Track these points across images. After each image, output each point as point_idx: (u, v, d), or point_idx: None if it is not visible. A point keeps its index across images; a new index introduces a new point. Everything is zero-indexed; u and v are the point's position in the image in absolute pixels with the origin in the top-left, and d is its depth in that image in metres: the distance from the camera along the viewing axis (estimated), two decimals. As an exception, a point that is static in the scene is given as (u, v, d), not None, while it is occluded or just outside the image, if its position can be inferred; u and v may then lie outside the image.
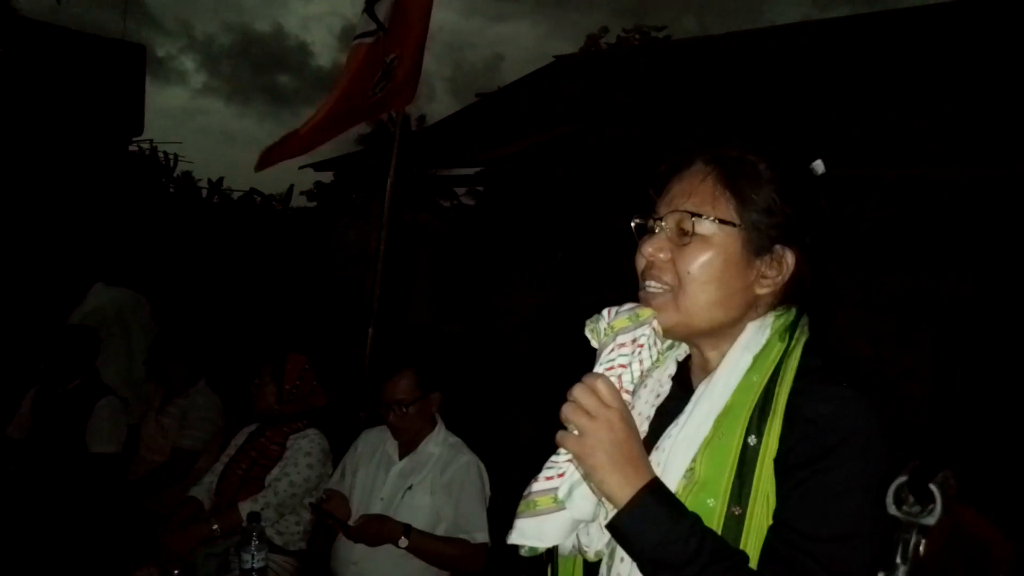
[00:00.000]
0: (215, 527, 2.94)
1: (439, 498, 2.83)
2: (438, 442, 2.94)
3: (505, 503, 2.84)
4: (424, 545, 2.73)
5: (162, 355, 3.99)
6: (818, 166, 1.24)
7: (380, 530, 2.70)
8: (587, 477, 1.11)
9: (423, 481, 2.86)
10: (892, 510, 0.68)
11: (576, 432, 1.10)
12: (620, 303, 1.23)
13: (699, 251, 1.17)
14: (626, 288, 1.29)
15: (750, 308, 1.21)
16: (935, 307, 5.89)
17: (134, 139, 12.10)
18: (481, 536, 2.78)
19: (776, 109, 7.20)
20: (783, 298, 1.22)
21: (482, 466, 2.91)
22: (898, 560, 0.68)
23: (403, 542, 2.68)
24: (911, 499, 0.68)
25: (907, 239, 5.92)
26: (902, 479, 0.68)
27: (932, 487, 0.66)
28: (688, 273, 1.18)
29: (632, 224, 1.28)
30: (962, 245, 5.82)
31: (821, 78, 7.92)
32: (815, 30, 10.29)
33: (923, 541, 0.68)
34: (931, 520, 0.66)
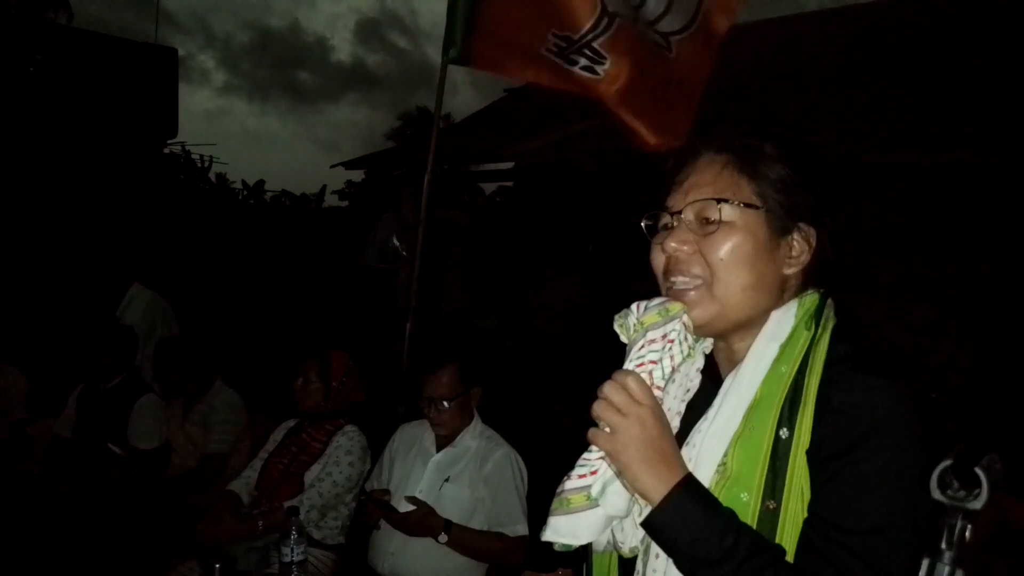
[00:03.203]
0: (260, 524, 2.99)
1: (478, 491, 2.84)
2: (475, 435, 2.95)
3: (540, 495, 2.86)
4: (463, 540, 2.74)
5: (165, 368, 3.95)
6: None
7: (423, 522, 2.72)
8: (620, 474, 1.11)
9: (461, 474, 2.88)
10: (936, 495, 0.67)
11: (608, 429, 1.09)
12: (650, 297, 1.21)
13: (728, 237, 1.16)
14: (655, 282, 1.27)
15: (780, 291, 1.20)
16: (974, 295, 5.79)
17: (168, 142, 12.29)
18: (521, 528, 2.79)
19: (811, 97, 7.10)
20: (806, 280, 1.21)
21: (519, 458, 2.92)
22: (943, 546, 0.68)
23: (443, 538, 2.70)
24: (955, 483, 0.67)
25: (944, 226, 5.82)
26: (946, 463, 0.67)
27: (978, 471, 0.65)
28: (720, 260, 1.16)
29: (643, 225, 1.27)
30: (1000, 231, 5.71)
31: (854, 64, 7.80)
32: (849, 16, 10.13)
33: (969, 526, 0.67)
34: (977, 504, 0.65)
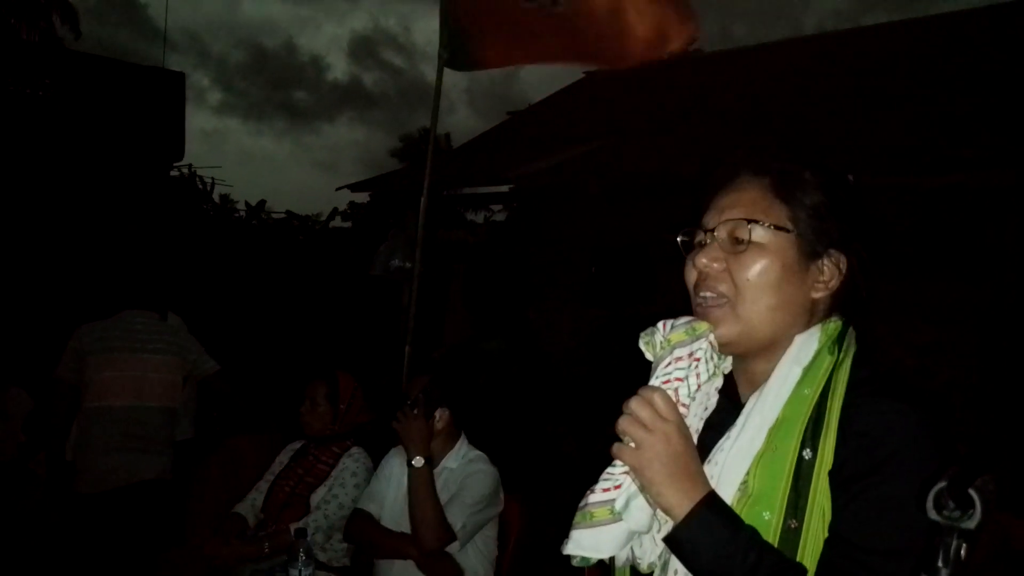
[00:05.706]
0: (266, 546, 3.00)
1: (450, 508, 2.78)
2: (458, 458, 2.91)
3: (547, 517, 2.85)
4: (426, 486, 2.68)
5: None
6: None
7: (417, 430, 2.74)
8: (644, 489, 1.12)
9: (440, 495, 2.79)
10: (932, 515, 0.70)
11: (633, 444, 1.11)
12: (655, 317, 1.23)
13: (756, 258, 1.19)
14: (662, 301, 1.30)
15: (808, 314, 1.22)
16: (976, 316, 5.80)
17: (175, 164, 12.37)
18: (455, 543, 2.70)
19: (810, 119, 7.16)
20: (835, 305, 1.23)
21: (496, 478, 2.84)
22: (940, 564, 0.70)
23: (418, 461, 2.69)
24: (951, 504, 0.69)
25: (946, 247, 5.84)
26: (941, 484, 0.70)
27: (972, 492, 0.68)
28: (747, 280, 1.18)
29: (678, 240, 1.29)
30: (1001, 252, 5.73)
31: (854, 87, 7.87)
32: (846, 39, 10.22)
33: (964, 546, 0.69)
34: (971, 524, 0.68)
